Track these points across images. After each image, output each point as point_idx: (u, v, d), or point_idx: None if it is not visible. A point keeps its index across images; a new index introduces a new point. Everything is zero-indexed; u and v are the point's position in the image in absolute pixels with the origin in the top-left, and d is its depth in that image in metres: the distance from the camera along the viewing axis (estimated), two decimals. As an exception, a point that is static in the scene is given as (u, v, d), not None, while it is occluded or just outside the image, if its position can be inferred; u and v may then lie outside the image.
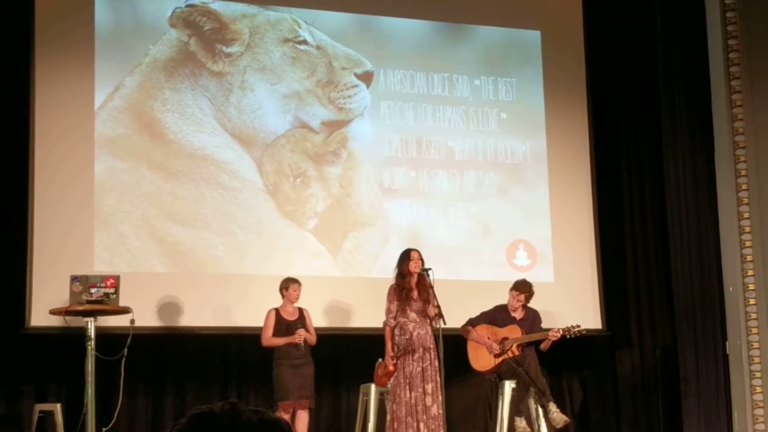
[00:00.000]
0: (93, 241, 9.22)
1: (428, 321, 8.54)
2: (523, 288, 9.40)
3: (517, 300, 9.35)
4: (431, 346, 8.50)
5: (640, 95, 11.29)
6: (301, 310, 9.06)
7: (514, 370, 9.01)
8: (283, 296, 9.01)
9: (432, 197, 10.40)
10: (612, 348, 11.00)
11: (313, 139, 10.04)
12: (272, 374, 8.86)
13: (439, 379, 8.44)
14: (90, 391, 7.98)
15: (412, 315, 8.51)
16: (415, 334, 8.46)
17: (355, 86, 10.26)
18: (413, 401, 8.38)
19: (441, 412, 8.42)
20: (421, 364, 8.44)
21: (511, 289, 9.43)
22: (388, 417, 8.49)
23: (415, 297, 8.53)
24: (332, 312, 9.85)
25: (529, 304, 9.43)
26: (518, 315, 9.35)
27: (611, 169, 11.21)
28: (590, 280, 10.71)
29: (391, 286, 8.63)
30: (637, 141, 11.33)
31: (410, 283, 8.55)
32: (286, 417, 8.75)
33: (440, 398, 8.42)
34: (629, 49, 11.35)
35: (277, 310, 8.99)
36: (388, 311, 8.56)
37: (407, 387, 8.41)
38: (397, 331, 8.51)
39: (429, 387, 8.41)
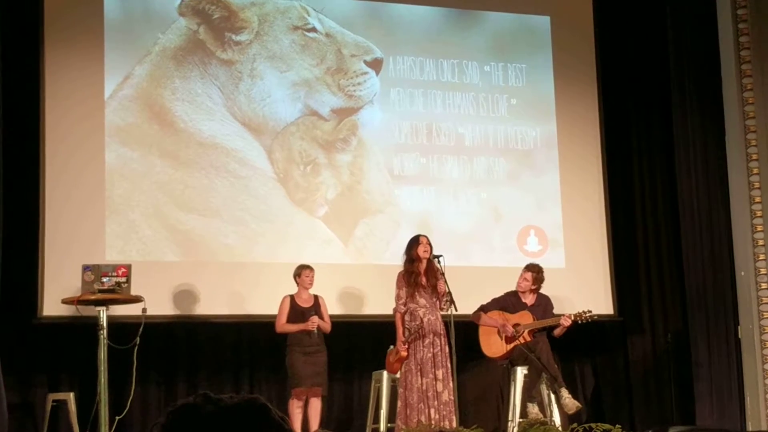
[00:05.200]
0: (104, 230, 9.24)
1: (438, 306, 8.56)
2: (532, 268, 9.39)
3: (524, 279, 9.33)
4: (441, 331, 8.51)
5: (650, 80, 11.26)
6: (316, 297, 9.08)
7: (526, 356, 9.01)
8: (297, 283, 9.03)
9: (442, 184, 10.40)
10: (624, 333, 10.99)
11: (323, 126, 10.04)
12: (285, 361, 8.88)
13: (449, 365, 8.45)
14: (103, 380, 8.02)
15: (422, 301, 8.52)
16: (425, 319, 8.47)
17: (365, 73, 10.25)
18: (424, 387, 8.39)
19: (452, 397, 8.43)
20: (431, 349, 8.45)
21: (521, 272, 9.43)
22: (399, 403, 8.50)
23: (423, 283, 8.54)
24: (343, 299, 9.85)
25: (541, 291, 9.42)
26: (529, 301, 9.34)
27: (622, 154, 11.19)
28: (602, 266, 10.70)
29: (400, 272, 8.64)
30: (647, 125, 11.31)
31: (419, 268, 8.57)
32: (299, 404, 8.78)
33: (451, 384, 8.43)
34: (639, 34, 11.32)
35: (292, 296, 9.02)
36: (398, 297, 8.57)
37: (418, 373, 8.42)
38: (407, 317, 8.52)
39: (440, 373, 8.42)
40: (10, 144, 9.19)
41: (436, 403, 8.36)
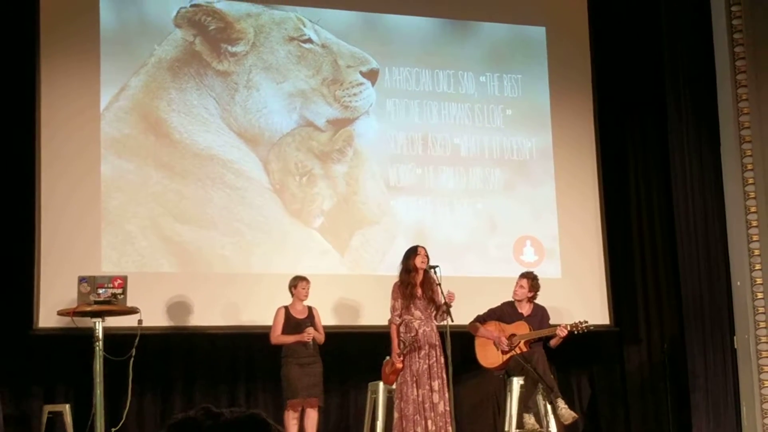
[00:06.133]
0: (100, 241, 9.24)
1: (433, 317, 8.56)
2: (527, 275, 9.40)
3: (520, 286, 9.33)
4: (437, 343, 8.50)
5: (645, 90, 11.28)
6: (310, 308, 9.07)
7: (522, 367, 9.01)
8: (292, 294, 9.02)
9: (438, 194, 10.40)
10: (620, 343, 10.99)
11: (318, 137, 10.05)
12: (280, 373, 8.87)
13: (445, 376, 8.44)
14: (98, 391, 8.00)
15: (417, 312, 8.51)
16: (420, 331, 8.47)
17: (361, 84, 10.26)
18: (420, 399, 8.38)
19: (449, 408, 8.42)
20: (427, 361, 8.44)
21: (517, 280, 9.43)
22: (396, 415, 8.49)
23: (419, 294, 8.53)
24: (339, 310, 9.85)
25: (537, 301, 9.41)
26: (526, 311, 9.33)
27: (617, 164, 11.20)
28: (598, 276, 10.70)
29: (396, 283, 8.63)
30: (643, 135, 11.31)
31: (415, 279, 8.56)
32: (295, 415, 8.77)
33: (447, 395, 8.42)
34: (634, 44, 11.33)
35: (286, 308, 9.00)
36: (393, 309, 8.56)
37: (414, 384, 8.41)
38: (402, 329, 8.51)
39: (436, 384, 8.41)
40: (6, 155, 9.19)
41: (432, 414, 8.35)
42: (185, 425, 2.13)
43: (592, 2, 11.22)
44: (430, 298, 8.52)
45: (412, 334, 8.44)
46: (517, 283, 9.38)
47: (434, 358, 8.46)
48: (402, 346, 8.45)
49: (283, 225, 9.84)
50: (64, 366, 9.14)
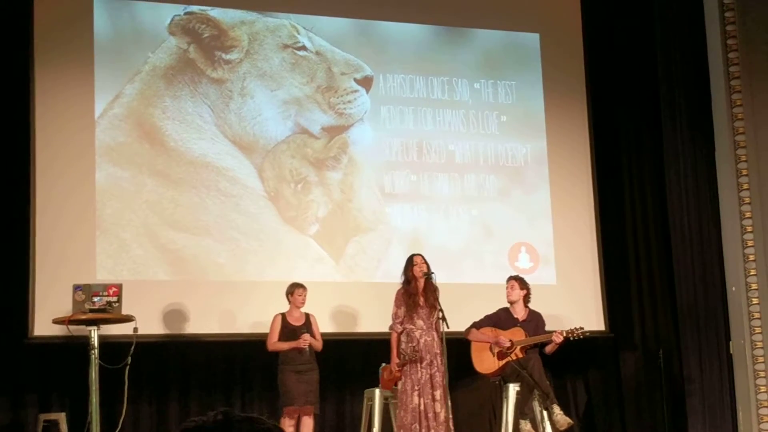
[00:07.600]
0: (95, 249, 9.22)
1: (435, 326, 8.54)
2: (513, 277, 9.39)
3: (512, 288, 9.31)
4: (438, 351, 8.48)
5: (640, 96, 11.29)
6: (307, 315, 9.07)
7: (518, 373, 9.00)
8: (289, 301, 9.02)
9: (433, 201, 10.40)
10: (615, 349, 10.98)
11: (313, 144, 10.04)
12: (277, 380, 8.86)
13: (446, 384, 8.44)
14: (94, 399, 7.98)
15: (419, 322, 8.49)
16: (422, 341, 8.45)
17: (355, 91, 10.27)
18: (422, 408, 8.36)
19: (448, 415, 8.42)
20: (429, 370, 8.42)
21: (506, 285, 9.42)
22: (395, 423, 8.48)
23: (421, 303, 8.52)
24: (335, 317, 9.84)
25: (532, 306, 9.40)
26: (521, 316, 9.32)
27: (612, 170, 11.21)
28: (593, 282, 10.70)
29: (399, 290, 8.62)
30: (637, 141, 11.33)
31: (416, 288, 8.54)
32: (291, 422, 8.75)
33: (448, 403, 8.42)
34: (628, 50, 11.35)
35: (283, 314, 9.00)
36: (395, 316, 8.54)
37: (414, 393, 8.39)
38: (403, 338, 8.49)
39: (438, 393, 8.40)
40: (0, 163, 9.18)
41: (434, 423, 8.34)
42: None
43: (586, 9, 11.24)
44: (432, 306, 8.51)
45: (413, 345, 8.42)
46: (509, 287, 9.36)
47: (436, 368, 8.44)
48: (401, 357, 8.43)
49: (278, 232, 9.84)
50: (60, 374, 9.12)
